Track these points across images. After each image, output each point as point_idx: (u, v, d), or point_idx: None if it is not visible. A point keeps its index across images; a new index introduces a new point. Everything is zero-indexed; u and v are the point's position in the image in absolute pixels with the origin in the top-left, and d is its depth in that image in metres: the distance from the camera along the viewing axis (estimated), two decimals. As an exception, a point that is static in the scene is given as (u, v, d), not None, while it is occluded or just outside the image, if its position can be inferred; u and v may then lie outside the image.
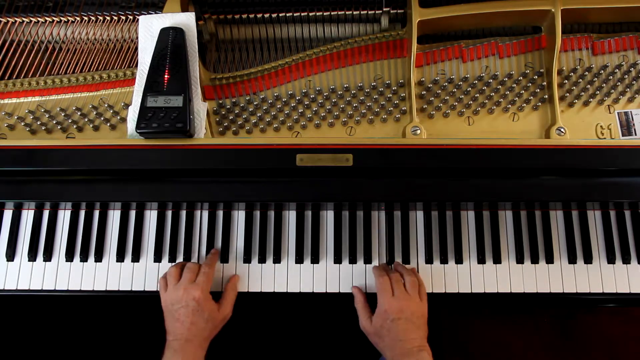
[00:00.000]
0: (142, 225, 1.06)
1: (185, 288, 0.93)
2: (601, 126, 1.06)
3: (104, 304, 1.06)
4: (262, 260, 1.04)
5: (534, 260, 1.03)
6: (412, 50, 1.04)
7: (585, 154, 0.98)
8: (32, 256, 1.04)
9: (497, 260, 1.03)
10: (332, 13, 1.11)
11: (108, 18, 1.12)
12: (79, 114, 1.07)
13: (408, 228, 1.05)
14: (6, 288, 1.03)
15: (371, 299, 0.99)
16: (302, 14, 1.11)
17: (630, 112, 1.07)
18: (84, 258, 1.04)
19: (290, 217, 1.06)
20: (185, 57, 1.03)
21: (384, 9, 1.09)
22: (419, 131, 1.03)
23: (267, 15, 1.12)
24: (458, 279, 1.03)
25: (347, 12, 1.11)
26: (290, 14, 1.11)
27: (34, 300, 1.04)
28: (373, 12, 1.11)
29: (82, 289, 1.03)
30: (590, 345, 1.52)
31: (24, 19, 1.13)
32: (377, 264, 1.04)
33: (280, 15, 1.11)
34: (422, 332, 0.92)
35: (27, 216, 1.07)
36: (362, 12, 1.11)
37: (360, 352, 1.48)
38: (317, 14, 1.11)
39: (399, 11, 1.11)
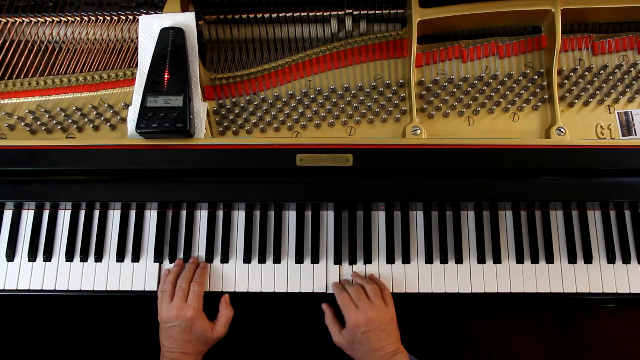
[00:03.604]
0: (142, 225, 1.06)
1: (178, 308, 0.94)
2: (601, 126, 1.06)
3: (104, 304, 1.06)
4: (262, 260, 1.04)
5: (534, 260, 1.03)
6: (412, 50, 1.04)
7: (585, 154, 0.98)
8: (32, 256, 1.04)
9: (497, 260, 1.03)
10: (332, 13, 1.11)
11: (108, 18, 1.12)
12: (79, 114, 1.07)
13: (408, 228, 1.04)
14: (6, 288, 1.03)
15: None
16: (302, 14, 1.11)
17: (630, 112, 1.07)
18: (84, 258, 1.04)
19: (290, 217, 1.06)
20: (185, 57, 1.03)
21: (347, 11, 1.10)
22: (419, 131, 1.03)
23: (267, 15, 1.11)
24: (458, 279, 1.03)
25: (347, 12, 1.10)
26: (290, 14, 1.11)
27: (34, 300, 1.04)
28: (373, 12, 1.11)
29: (82, 289, 1.03)
30: (590, 345, 1.52)
31: (24, 19, 1.13)
32: (338, 277, 1.03)
33: (280, 15, 1.11)
34: (393, 337, 0.93)
35: (27, 216, 1.07)
36: (362, 12, 1.11)
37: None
38: (317, 14, 1.11)
39: (399, 11, 1.11)
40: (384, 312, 0.94)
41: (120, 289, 1.03)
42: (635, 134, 1.05)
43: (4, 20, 1.13)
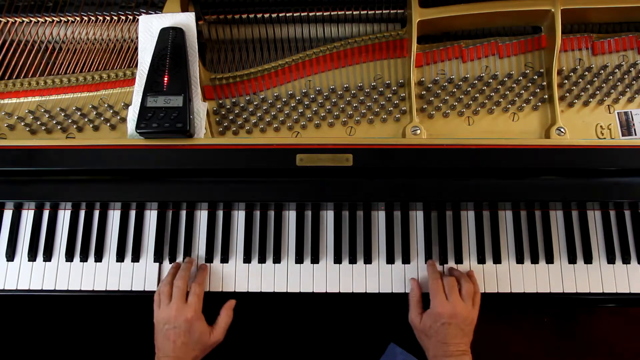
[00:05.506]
0: (142, 225, 1.06)
1: (177, 309, 0.93)
2: (601, 126, 1.06)
3: (104, 304, 1.06)
4: (262, 260, 1.04)
5: (534, 260, 1.03)
6: (412, 50, 1.04)
7: (585, 154, 0.98)
8: (32, 256, 1.04)
9: (497, 260, 1.03)
10: (332, 13, 1.11)
11: (108, 18, 1.12)
12: (79, 114, 1.07)
13: (408, 228, 1.04)
14: (6, 288, 1.03)
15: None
16: (302, 14, 1.11)
17: (630, 112, 1.07)
18: (84, 258, 1.04)
19: (290, 217, 1.06)
20: (185, 57, 1.03)
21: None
22: (419, 131, 1.03)
23: (267, 15, 1.11)
24: (458, 279, 1.02)
25: (347, 12, 1.11)
26: (290, 14, 1.11)
27: (34, 300, 1.04)
28: (373, 12, 1.11)
29: (82, 289, 1.03)
30: (590, 345, 1.52)
31: (24, 19, 1.13)
32: (423, 266, 1.03)
33: (280, 15, 1.11)
34: (467, 338, 0.94)
35: (27, 216, 1.07)
36: (362, 12, 1.11)
37: (360, 352, 1.48)
38: (317, 14, 1.11)
39: (399, 11, 1.11)
40: (469, 312, 0.94)
41: (120, 289, 1.03)
42: (635, 134, 1.05)
43: (4, 20, 1.13)
